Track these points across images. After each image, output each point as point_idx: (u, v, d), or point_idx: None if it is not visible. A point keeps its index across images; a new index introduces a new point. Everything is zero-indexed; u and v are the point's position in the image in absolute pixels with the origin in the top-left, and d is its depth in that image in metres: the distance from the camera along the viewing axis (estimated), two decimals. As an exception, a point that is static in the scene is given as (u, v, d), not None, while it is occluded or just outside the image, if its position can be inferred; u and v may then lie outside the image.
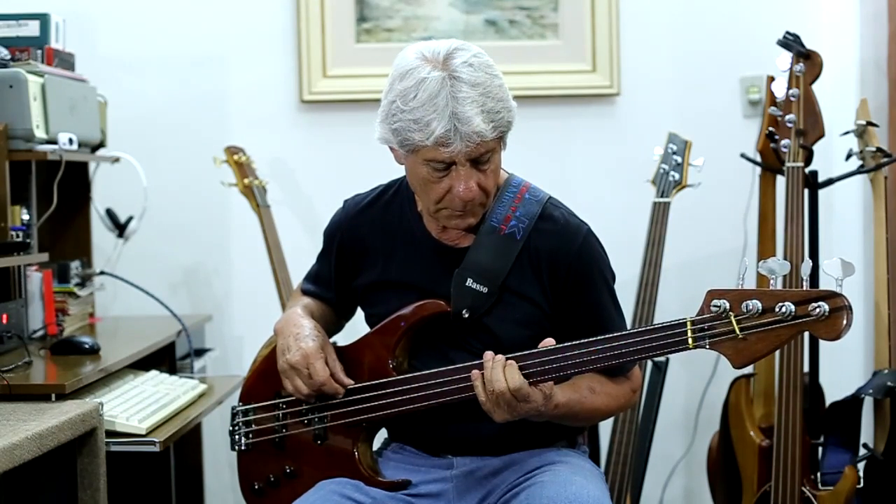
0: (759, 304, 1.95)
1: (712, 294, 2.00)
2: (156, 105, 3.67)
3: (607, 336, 2.06)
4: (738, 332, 1.96)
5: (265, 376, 2.35)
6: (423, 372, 2.19)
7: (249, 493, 2.36)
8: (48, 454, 2.14)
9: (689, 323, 2.00)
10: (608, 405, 2.22)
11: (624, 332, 2.06)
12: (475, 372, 2.08)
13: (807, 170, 3.08)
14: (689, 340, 2.00)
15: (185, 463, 3.35)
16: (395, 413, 2.22)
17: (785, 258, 2.98)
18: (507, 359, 2.07)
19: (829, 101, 3.24)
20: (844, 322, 1.91)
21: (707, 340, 1.99)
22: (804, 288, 1.96)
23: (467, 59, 2.10)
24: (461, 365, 2.15)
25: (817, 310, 1.91)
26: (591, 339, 2.06)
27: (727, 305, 1.97)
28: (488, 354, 2.08)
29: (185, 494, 3.35)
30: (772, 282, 1.98)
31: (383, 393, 2.22)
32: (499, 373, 2.05)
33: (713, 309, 1.98)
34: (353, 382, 2.24)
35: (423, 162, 2.11)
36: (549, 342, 2.08)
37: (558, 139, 3.72)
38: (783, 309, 1.93)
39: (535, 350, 2.09)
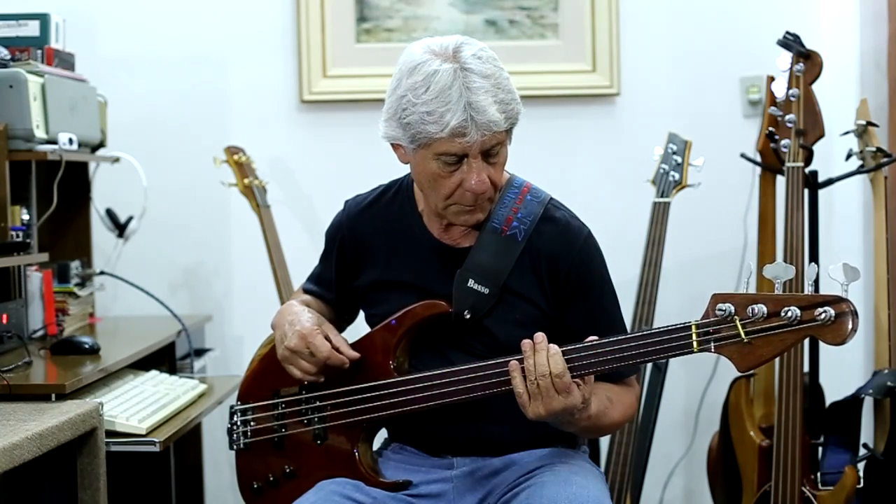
0: (765, 309, 1.94)
1: (717, 297, 1.99)
2: (156, 105, 3.67)
3: (608, 340, 2.05)
4: (743, 336, 1.96)
5: (263, 376, 2.35)
6: (425, 373, 2.19)
7: (248, 493, 2.36)
8: (48, 454, 2.14)
9: (693, 326, 2.00)
10: (623, 414, 2.22)
11: (627, 336, 2.06)
12: (513, 363, 2.06)
13: (807, 170, 3.08)
14: (694, 344, 2.00)
15: (185, 463, 3.35)
16: (396, 413, 2.21)
17: (785, 258, 2.99)
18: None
19: (829, 101, 3.24)
20: (850, 327, 1.91)
21: (712, 344, 1.98)
22: (808, 292, 1.96)
23: (475, 52, 2.10)
24: (462, 367, 2.15)
25: (823, 315, 1.91)
26: (591, 343, 2.05)
27: (732, 309, 1.96)
28: (526, 343, 2.05)
29: (185, 494, 3.35)
30: (776, 286, 1.98)
31: (384, 393, 2.21)
32: (542, 357, 2.03)
33: (718, 312, 1.98)
34: (358, 356, 2.23)
35: (435, 156, 2.10)
36: (539, 336, 2.07)
37: (558, 139, 3.72)
38: (789, 314, 1.93)
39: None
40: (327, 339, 2.23)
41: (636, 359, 2.05)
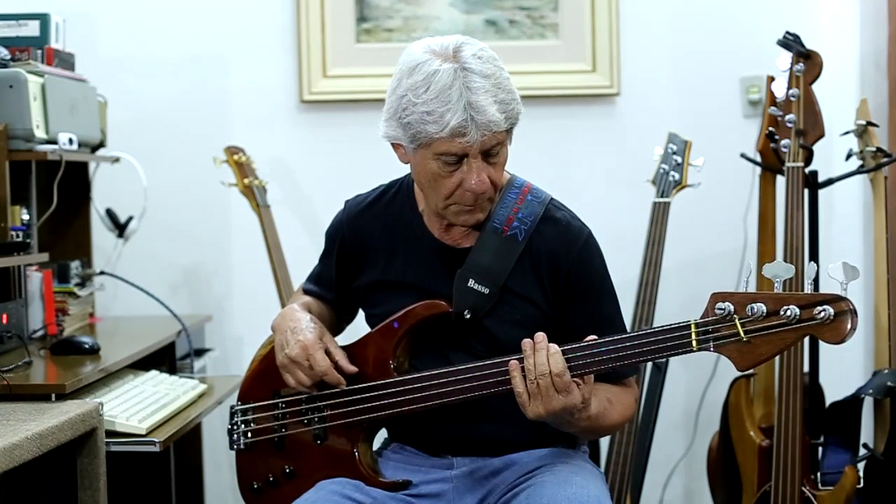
0: (764, 308, 1.94)
1: (717, 297, 1.99)
2: (156, 105, 3.67)
3: (608, 339, 2.05)
4: (742, 335, 1.96)
5: (263, 376, 2.35)
6: (424, 373, 2.19)
7: (248, 493, 2.36)
8: (48, 454, 2.14)
9: (693, 326, 2.00)
10: (622, 415, 2.22)
11: (626, 335, 2.05)
12: (513, 362, 2.07)
13: (807, 170, 3.08)
14: (693, 343, 1.99)
15: (185, 463, 3.35)
16: (396, 413, 2.21)
17: (785, 258, 2.99)
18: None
19: (829, 101, 3.24)
20: (849, 326, 1.90)
21: (711, 343, 1.98)
22: (808, 291, 1.96)
23: (475, 51, 2.10)
24: (461, 367, 2.15)
25: (822, 314, 1.91)
26: (591, 342, 2.05)
27: (732, 308, 1.96)
28: (527, 343, 2.06)
29: (185, 494, 3.35)
30: (776, 285, 1.98)
31: (384, 393, 2.21)
32: (542, 356, 2.03)
33: (718, 311, 1.98)
34: (356, 370, 2.23)
35: (435, 156, 2.10)
36: (539, 336, 2.07)
37: (558, 139, 3.72)
38: (788, 312, 1.92)
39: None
40: (328, 352, 2.23)
41: (636, 358, 2.05)
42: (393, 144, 2.19)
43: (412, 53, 2.13)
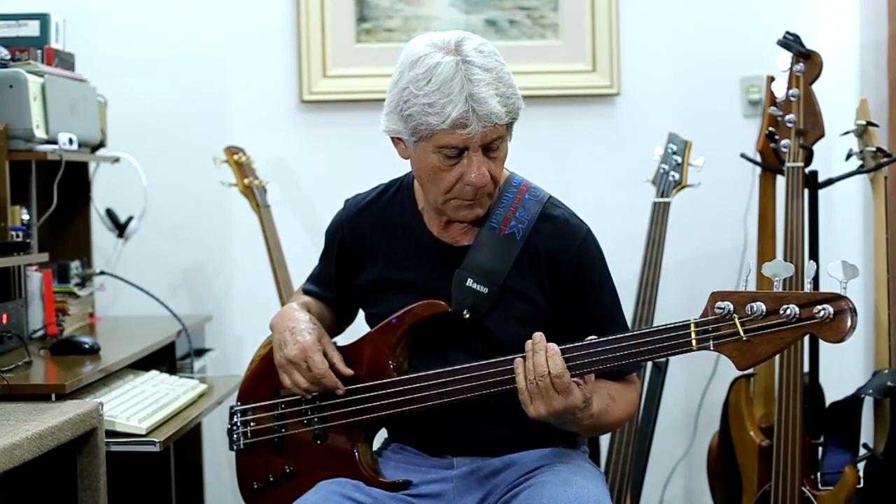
0: (764, 307, 1.94)
1: (716, 296, 1.99)
2: (156, 105, 3.67)
3: (607, 338, 2.05)
4: (742, 334, 1.96)
5: (263, 376, 2.35)
6: (425, 373, 2.19)
7: (248, 493, 2.36)
8: (48, 454, 2.14)
9: (692, 325, 2.00)
10: (625, 411, 2.22)
11: (626, 335, 2.05)
12: (518, 359, 2.06)
13: (807, 170, 3.08)
14: (693, 342, 1.99)
15: (185, 463, 3.35)
16: (396, 413, 2.21)
17: (785, 258, 2.99)
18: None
19: (829, 101, 3.24)
20: (849, 325, 1.90)
21: (711, 342, 1.98)
22: (808, 290, 1.96)
23: (477, 45, 2.11)
24: (461, 367, 2.15)
25: (822, 312, 1.91)
26: (591, 342, 2.05)
27: (731, 307, 1.96)
28: (528, 344, 2.06)
29: (185, 494, 3.35)
30: (776, 284, 1.98)
31: (384, 393, 2.21)
32: (541, 357, 2.03)
33: (717, 311, 1.97)
34: (352, 373, 2.23)
35: (435, 149, 2.10)
36: (537, 336, 2.08)
37: (558, 139, 3.72)
38: (787, 311, 1.92)
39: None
40: (326, 355, 2.23)
41: (636, 357, 2.05)
42: (393, 139, 2.19)
43: (414, 47, 2.14)
